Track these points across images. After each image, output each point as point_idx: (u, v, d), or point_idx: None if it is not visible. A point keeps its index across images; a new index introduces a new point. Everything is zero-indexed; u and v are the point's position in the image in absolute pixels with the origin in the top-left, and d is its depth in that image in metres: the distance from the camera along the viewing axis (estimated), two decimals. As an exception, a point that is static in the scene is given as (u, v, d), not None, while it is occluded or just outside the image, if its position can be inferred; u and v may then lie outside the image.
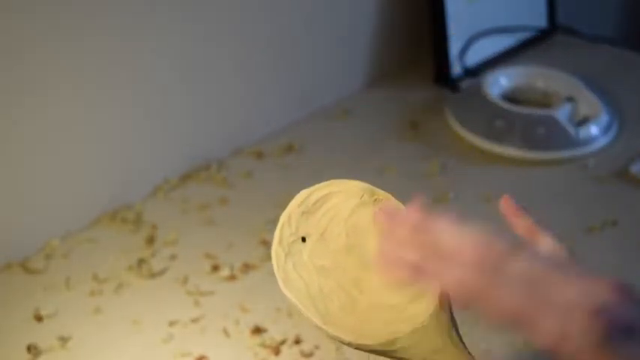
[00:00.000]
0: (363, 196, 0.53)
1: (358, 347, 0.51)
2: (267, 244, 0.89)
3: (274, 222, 0.91)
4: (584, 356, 0.44)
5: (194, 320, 0.80)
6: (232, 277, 0.85)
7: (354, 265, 0.52)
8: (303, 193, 0.54)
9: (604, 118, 1.06)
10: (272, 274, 0.85)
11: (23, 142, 0.84)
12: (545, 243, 0.51)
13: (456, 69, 1.16)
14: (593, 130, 1.04)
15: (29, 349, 0.77)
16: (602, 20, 1.50)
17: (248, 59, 1.02)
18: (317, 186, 0.54)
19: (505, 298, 0.46)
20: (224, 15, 0.97)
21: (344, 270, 0.52)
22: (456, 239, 0.48)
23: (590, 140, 1.03)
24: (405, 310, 0.50)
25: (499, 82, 1.11)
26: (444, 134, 1.07)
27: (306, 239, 0.53)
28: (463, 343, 0.50)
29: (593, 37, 1.28)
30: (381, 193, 0.53)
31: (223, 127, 1.02)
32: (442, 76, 1.16)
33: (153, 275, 0.85)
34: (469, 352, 0.49)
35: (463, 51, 1.16)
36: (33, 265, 0.86)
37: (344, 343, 0.51)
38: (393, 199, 0.53)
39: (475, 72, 1.16)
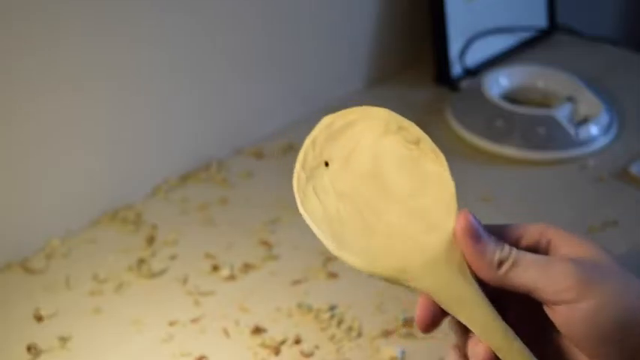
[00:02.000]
0: (388, 123, 0.54)
1: (371, 274, 0.51)
2: (267, 244, 0.89)
3: (274, 222, 0.92)
4: None
5: (194, 320, 0.80)
6: (232, 277, 0.85)
7: (375, 193, 0.52)
8: (327, 118, 0.54)
9: (604, 118, 1.06)
10: (272, 274, 0.86)
11: (23, 142, 0.84)
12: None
13: (456, 69, 1.16)
14: (593, 130, 1.04)
15: (29, 349, 0.77)
16: (602, 20, 1.50)
17: (248, 59, 1.02)
18: (341, 112, 0.54)
19: None
20: (224, 15, 0.97)
21: (364, 197, 0.52)
22: None
23: (590, 140, 1.03)
24: (420, 241, 0.51)
25: (499, 82, 1.11)
26: (444, 134, 1.07)
27: (329, 164, 0.52)
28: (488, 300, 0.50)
29: (593, 37, 1.28)
30: (406, 122, 0.55)
31: (223, 127, 1.03)
32: (442, 76, 1.16)
33: (153, 275, 0.85)
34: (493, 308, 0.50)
35: (463, 51, 1.16)
36: (33, 265, 0.86)
37: (357, 268, 0.51)
38: (417, 127, 0.54)
39: (475, 72, 1.16)
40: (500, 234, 0.52)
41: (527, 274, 0.49)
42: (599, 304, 0.48)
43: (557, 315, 0.49)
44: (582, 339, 0.48)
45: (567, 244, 0.51)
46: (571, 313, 0.48)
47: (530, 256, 0.50)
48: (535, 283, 0.49)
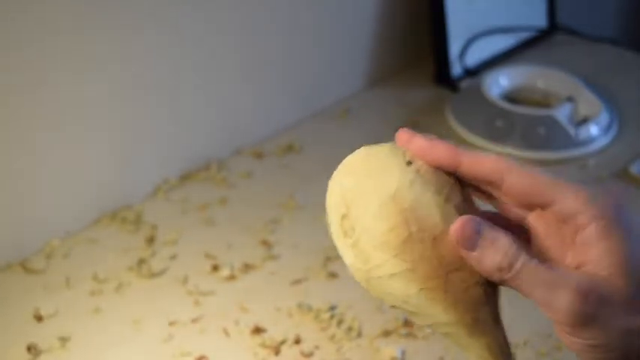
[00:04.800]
0: (407, 162, 0.50)
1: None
2: (267, 244, 0.89)
3: (274, 222, 0.92)
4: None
5: (194, 320, 0.80)
6: (232, 277, 0.85)
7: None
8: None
9: (604, 118, 1.06)
10: (272, 274, 0.86)
11: (23, 142, 0.84)
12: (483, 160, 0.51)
13: (456, 69, 1.16)
14: (593, 130, 1.04)
15: (29, 349, 0.77)
16: (602, 20, 1.50)
17: (248, 59, 1.02)
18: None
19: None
20: (224, 15, 0.97)
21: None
22: None
23: (590, 140, 1.03)
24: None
25: (499, 82, 1.11)
26: (444, 134, 1.07)
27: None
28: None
29: (593, 37, 1.28)
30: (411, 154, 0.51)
31: (223, 127, 1.03)
32: (442, 76, 1.16)
33: (153, 275, 0.85)
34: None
35: (463, 51, 1.16)
36: (33, 265, 0.86)
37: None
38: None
39: (475, 72, 1.16)
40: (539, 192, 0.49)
41: (530, 290, 0.47)
42: (595, 346, 0.46)
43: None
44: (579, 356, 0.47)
45: (593, 250, 0.47)
46: (569, 340, 0.47)
47: (534, 274, 0.47)
48: (536, 299, 0.47)
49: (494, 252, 0.48)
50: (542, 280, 0.47)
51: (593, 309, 0.46)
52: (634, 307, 0.46)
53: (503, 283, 0.48)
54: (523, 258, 0.47)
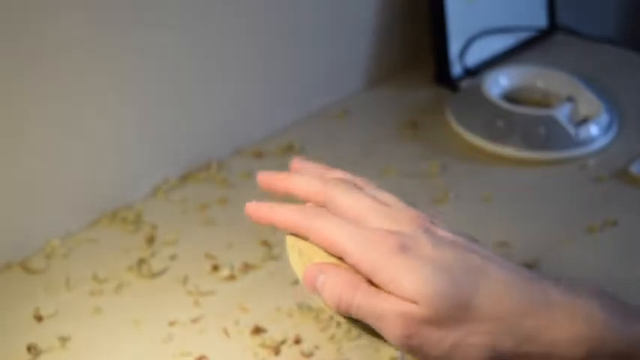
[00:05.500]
0: None
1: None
2: (267, 244, 0.89)
3: (274, 222, 0.92)
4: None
5: (194, 320, 0.80)
6: (232, 277, 0.85)
7: None
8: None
9: (604, 118, 1.06)
10: (272, 274, 0.86)
11: (23, 142, 0.84)
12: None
13: (456, 69, 1.16)
14: (593, 130, 1.04)
15: (29, 349, 0.77)
16: (602, 20, 1.50)
17: (248, 59, 1.02)
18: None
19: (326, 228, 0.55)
20: (224, 15, 0.97)
21: None
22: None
23: (590, 140, 1.03)
24: None
25: (499, 82, 1.11)
26: (444, 134, 1.07)
27: None
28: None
29: (593, 37, 1.28)
30: None
31: (223, 127, 1.03)
32: (442, 76, 1.16)
33: (153, 275, 0.85)
34: None
35: (463, 51, 1.16)
36: (33, 265, 0.86)
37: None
38: None
39: (475, 72, 1.16)
40: None
41: (371, 321, 0.53)
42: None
43: None
44: None
45: (393, 288, 0.52)
46: None
47: (369, 304, 0.52)
48: (377, 329, 0.53)
49: (335, 284, 0.53)
50: (376, 310, 0.52)
51: (416, 337, 0.51)
52: (447, 324, 0.51)
53: (350, 314, 0.54)
54: (362, 287, 0.53)
